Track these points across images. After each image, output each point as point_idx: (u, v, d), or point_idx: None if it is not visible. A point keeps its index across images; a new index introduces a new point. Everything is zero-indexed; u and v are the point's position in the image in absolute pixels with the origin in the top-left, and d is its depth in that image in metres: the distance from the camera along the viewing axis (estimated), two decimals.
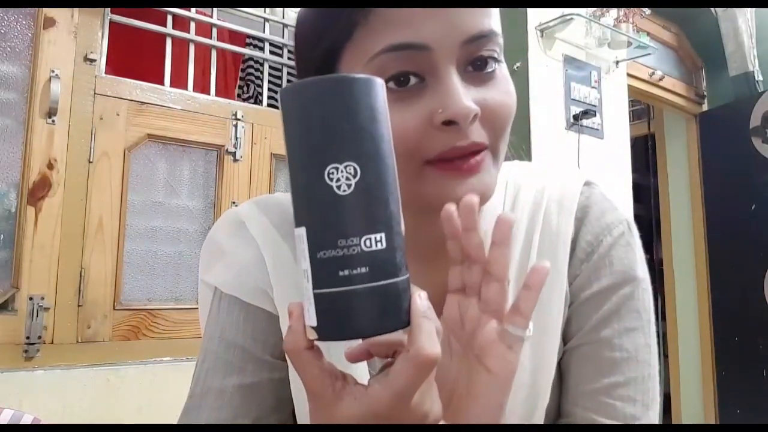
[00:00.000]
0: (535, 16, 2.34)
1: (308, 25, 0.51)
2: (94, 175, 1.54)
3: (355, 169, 0.33)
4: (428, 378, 0.36)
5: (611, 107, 2.58)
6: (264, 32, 1.99)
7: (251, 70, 2.39)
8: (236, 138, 1.77)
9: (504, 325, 0.40)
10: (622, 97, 2.69)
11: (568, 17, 2.32)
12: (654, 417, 0.53)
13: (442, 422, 0.41)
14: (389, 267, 0.34)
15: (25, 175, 1.45)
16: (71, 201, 1.50)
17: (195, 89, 1.76)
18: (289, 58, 2.04)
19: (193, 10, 1.82)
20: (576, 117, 2.38)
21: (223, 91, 2.20)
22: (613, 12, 2.51)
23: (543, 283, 0.39)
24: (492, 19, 0.48)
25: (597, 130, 2.50)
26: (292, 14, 2.05)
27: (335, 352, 0.48)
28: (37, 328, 1.41)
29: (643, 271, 0.56)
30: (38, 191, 1.46)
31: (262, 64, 2.10)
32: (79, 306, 1.48)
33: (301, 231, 0.34)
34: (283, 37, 2.03)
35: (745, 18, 3.09)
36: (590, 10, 2.46)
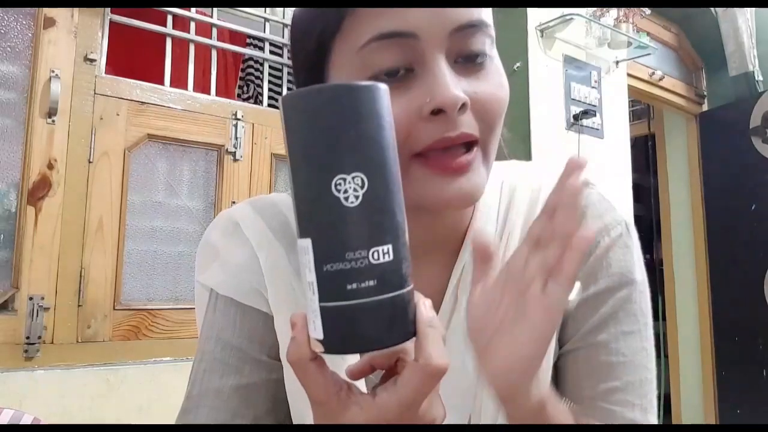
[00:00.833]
0: (535, 16, 2.34)
1: (299, 21, 0.51)
2: (94, 175, 1.54)
3: (362, 180, 0.32)
4: (436, 386, 0.36)
5: (611, 107, 2.58)
6: (264, 32, 1.99)
7: (251, 70, 2.39)
8: (236, 138, 1.77)
9: (548, 283, 0.39)
10: (622, 97, 2.69)
11: (568, 17, 2.32)
12: (652, 418, 0.53)
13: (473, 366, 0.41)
14: (396, 279, 0.34)
15: (25, 175, 1.45)
16: (71, 201, 1.50)
17: (195, 89, 1.76)
18: (289, 58, 2.04)
19: (193, 10, 1.82)
20: (576, 117, 2.38)
21: (223, 91, 2.20)
22: (613, 12, 2.51)
23: (587, 247, 0.37)
24: (482, 10, 0.48)
25: (597, 130, 2.50)
26: (292, 14, 2.05)
27: (334, 358, 0.49)
28: (37, 328, 1.41)
29: (641, 274, 0.55)
30: (38, 191, 1.46)
31: (262, 64, 2.10)
32: (79, 306, 1.48)
33: (306, 242, 0.33)
34: (283, 37, 2.03)
35: (745, 18, 3.09)
36: (590, 10, 2.46)
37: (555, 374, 0.54)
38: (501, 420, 0.49)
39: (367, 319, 0.33)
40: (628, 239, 0.56)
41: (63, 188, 1.49)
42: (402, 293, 0.34)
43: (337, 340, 0.33)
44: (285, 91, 2.04)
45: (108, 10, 1.62)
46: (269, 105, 2.03)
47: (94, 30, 1.58)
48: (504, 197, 0.58)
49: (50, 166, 1.48)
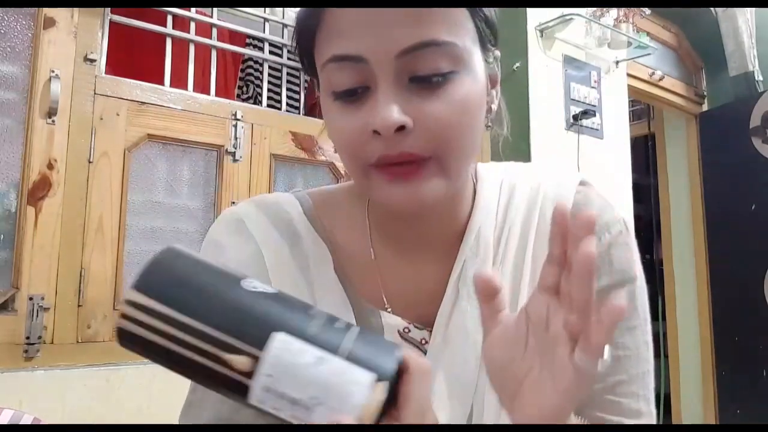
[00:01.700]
0: (535, 16, 2.34)
1: (294, 27, 0.55)
2: (94, 175, 1.54)
3: None
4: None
5: (611, 107, 2.58)
6: (264, 32, 1.99)
7: (251, 70, 2.39)
8: (236, 138, 1.77)
9: (576, 351, 0.39)
10: (622, 97, 2.69)
11: (568, 17, 2.32)
12: (653, 408, 0.55)
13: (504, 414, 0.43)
14: None
15: (25, 175, 1.45)
16: (71, 201, 1.50)
17: (195, 89, 1.76)
18: (288, 58, 2.04)
19: (193, 10, 1.82)
20: (576, 117, 2.38)
21: (223, 91, 2.20)
22: (613, 12, 2.51)
23: (617, 321, 0.37)
24: (441, 27, 0.47)
25: (597, 130, 2.50)
26: (292, 14, 2.05)
27: None
28: (37, 328, 1.41)
29: (639, 270, 0.57)
30: (38, 191, 1.46)
31: (261, 64, 2.10)
32: (79, 306, 1.48)
33: None
34: (282, 37, 2.03)
35: (745, 18, 3.08)
36: (590, 10, 2.46)
37: None
38: (504, 411, 0.50)
39: None
40: (627, 237, 0.58)
41: (63, 188, 1.49)
42: None
43: None
44: (284, 92, 2.04)
45: (108, 10, 1.62)
46: (269, 105, 2.03)
47: (94, 30, 1.58)
48: (503, 195, 0.60)
49: (50, 166, 1.48)
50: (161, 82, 1.70)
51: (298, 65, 0.56)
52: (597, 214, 0.57)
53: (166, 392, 1.53)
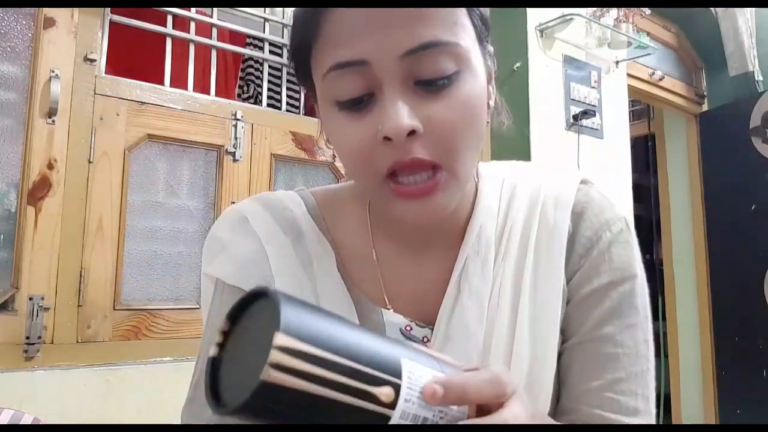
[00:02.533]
0: (535, 16, 2.34)
1: (290, 34, 0.54)
2: (94, 175, 1.54)
3: None
4: None
5: (611, 107, 2.58)
6: (264, 32, 1.99)
7: (251, 70, 2.39)
8: (236, 138, 1.77)
9: None
10: (622, 97, 2.69)
11: (568, 17, 2.32)
12: (653, 407, 0.55)
13: None
14: None
15: (25, 175, 1.45)
16: (71, 201, 1.50)
17: (195, 89, 1.76)
18: (289, 58, 2.04)
19: (193, 10, 1.82)
20: (576, 117, 2.38)
21: (223, 91, 2.20)
22: (613, 12, 2.51)
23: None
24: (442, 27, 0.46)
25: (597, 130, 2.50)
26: (292, 14, 2.05)
27: None
28: (37, 328, 1.41)
29: (640, 268, 0.58)
30: (38, 191, 1.46)
31: (261, 64, 2.10)
32: (79, 306, 1.48)
33: None
34: (283, 37, 2.03)
35: (745, 18, 3.08)
36: (590, 10, 2.46)
37: (559, 365, 0.56)
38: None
39: None
40: (628, 235, 0.58)
41: (63, 188, 1.49)
42: None
43: None
44: (284, 92, 2.04)
45: (108, 10, 1.62)
46: (269, 105, 2.03)
47: (94, 30, 1.58)
48: (505, 194, 0.60)
49: (50, 166, 1.48)
50: (161, 82, 1.70)
51: None
52: (598, 212, 0.58)
53: (166, 392, 1.53)
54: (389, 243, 0.59)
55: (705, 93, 3.46)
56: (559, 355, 0.56)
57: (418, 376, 0.36)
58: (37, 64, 1.48)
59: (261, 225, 0.58)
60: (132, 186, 1.61)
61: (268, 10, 2.01)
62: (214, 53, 1.86)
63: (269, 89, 2.05)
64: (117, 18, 1.64)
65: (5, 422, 0.97)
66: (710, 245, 3.26)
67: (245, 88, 2.42)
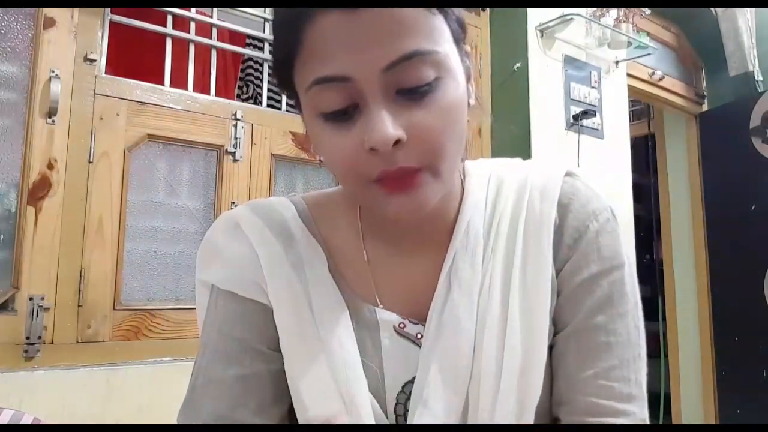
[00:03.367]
0: (535, 16, 2.34)
1: (272, 46, 0.55)
2: (94, 175, 1.54)
3: None
4: None
5: (611, 107, 2.58)
6: (264, 32, 1.99)
7: (251, 71, 2.39)
8: (236, 138, 1.77)
9: None
10: (622, 97, 2.69)
11: (568, 17, 2.32)
12: (644, 393, 0.56)
13: None
14: None
15: (25, 175, 1.45)
16: (71, 201, 1.50)
17: (195, 89, 1.76)
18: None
19: (193, 10, 1.82)
20: (576, 117, 2.39)
21: (223, 91, 2.20)
22: (613, 12, 2.51)
23: None
24: (421, 36, 0.47)
25: (597, 130, 2.50)
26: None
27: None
28: (37, 328, 1.41)
29: (628, 255, 0.59)
30: (38, 191, 1.46)
31: (261, 64, 2.10)
32: (79, 306, 1.48)
33: None
34: None
35: (745, 18, 3.08)
36: (590, 10, 2.46)
37: (552, 355, 0.57)
38: (501, 399, 0.52)
39: None
40: (615, 224, 0.59)
41: (63, 188, 1.49)
42: None
43: None
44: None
45: (108, 10, 1.62)
46: (269, 105, 2.03)
47: (94, 30, 1.58)
48: (491, 189, 0.62)
49: (50, 166, 1.48)
50: (161, 82, 1.70)
51: None
52: (584, 203, 0.59)
53: (166, 392, 1.53)
54: (380, 243, 0.60)
55: (705, 93, 3.46)
56: (552, 346, 0.57)
57: None
58: (37, 64, 1.48)
59: (252, 230, 0.59)
60: (132, 186, 1.61)
61: (268, 10, 2.01)
62: (214, 53, 1.86)
63: (269, 89, 2.05)
64: (117, 18, 1.64)
65: (5, 422, 0.97)
66: (710, 245, 3.26)
67: (245, 88, 2.43)
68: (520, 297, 0.56)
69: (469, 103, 0.54)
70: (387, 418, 0.55)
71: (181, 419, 0.56)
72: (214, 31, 1.87)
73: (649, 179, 3.68)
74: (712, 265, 3.23)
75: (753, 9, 3.15)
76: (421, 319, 0.57)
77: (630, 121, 2.76)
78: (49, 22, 1.50)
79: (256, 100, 2.20)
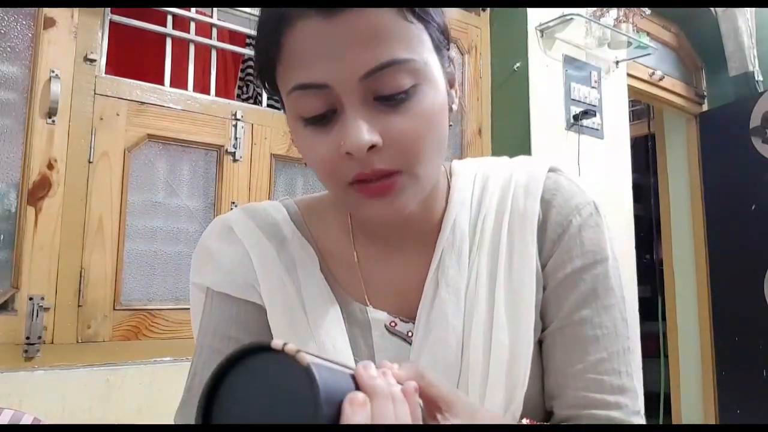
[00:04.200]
0: (535, 16, 2.34)
1: (254, 55, 0.56)
2: (94, 175, 1.54)
3: None
4: None
5: (611, 107, 2.58)
6: None
7: (251, 71, 2.39)
8: (236, 138, 1.77)
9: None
10: (622, 97, 2.69)
11: (568, 17, 2.32)
12: (638, 385, 0.57)
13: None
14: None
15: (25, 175, 1.45)
16: (71, 201, 1.50)
17: (195, 89, 1.76)
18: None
19: (193, 10, 1.82)
20: (576, 117, 2.39)
21: (223, 91, 2.20)
22: (613, 12, 2.51)
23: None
24: (398, 45, 0.48)
25: (597, 130, 2.50)
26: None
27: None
28: (37, 328, 1.41)
29: (612, 250, 0.59)
30: (38, 191, 1.46)
31: None
32: (79, 306, 1.48)
33: None
34: None
35: (745, 18, 3.08)
36: (590, 10, 2.46)
37: (541, 351, 0.58)
38: (489, 393, 0.53)
39: None
40: (598, 218, 0.60)
41: (63, 188, 1.49)
42: None
43: None
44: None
45: (108, 10, 1.62)
46: (268, 105, 2.03)
47: (94, 30, 1.58)
48: (477, 186, 0.62)
49: (50, 166, 1.48)
50: (161, 82, 1.70)
51: None
52: (567, 198, 0.60)
53: (166, 392, 1.53)
54: (370, 244, 0.61)
55: (705, 93, 3.46)
56: (541, 341, 0.58)
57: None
58: (37, 64, 1.48)
59: (245, 233, 0.61)
60: (132, 186, 1.61)
61: None
62: (214, 53, 1.86)
63: None
64: (117, 18, 1.64)
65: (5, 422, 0.97)
66: (710, 245, 3.26)
67: (245, 88, 2.43)
68: (505, 292, 0.57)
69: (451, 108, 0.56)
70: None
71: (178, 419, 0.57)
72: (214, 31, 1.87)
73: (649, 179, 3.68)
74: (712, 265, 3.23)
75: (753, 9, 3.15)
76: (411, 317, 0.58)
77: (630, 121, 2.76)
78: (49, 22, 1.50)
79: (256, 100, 2.20)
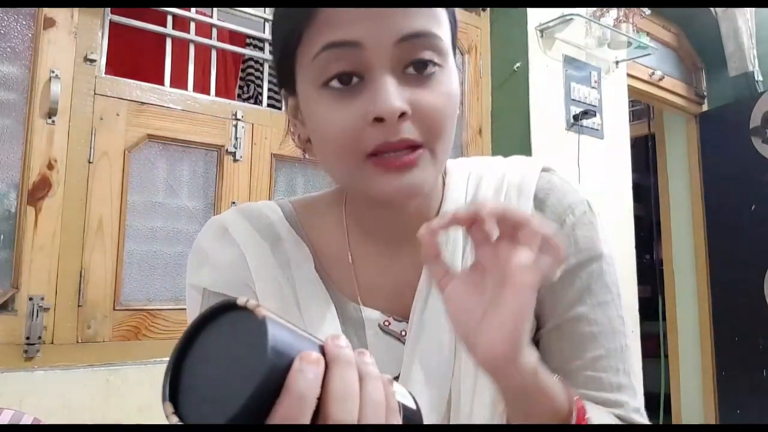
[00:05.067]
0: (535, 16, 2.34)
1: (272, 27, 0.55)
2: (94, 175, 1.54)
3: None
4: None
5: (611, 107, 2.58)
6: (264, 32, 1.99)
7: (251, 71, 2.39)
8: (236, 138, 1.77)
9: (538, 256, 0.42)
10: (622, 97, 2.69)
11: (568, 17, 2.32)
12: (635, 383, 0.57)
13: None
14: None
15: (25, 175, 1.45)
16: (71, 201, 1.50)
17: (195, 89, 1.76)
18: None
19: (193, 10, 1.82)
20: (576, 117, 2.39)
21: (223, 92, 2.20)
22: (613, 12, 2.51)
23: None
24: (432, 21, 0.49)
25: (597, 130, 2.50)
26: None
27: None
28: (37, 328, 1.41)
29: (607, 247, 0.59)
30: (38, 191, 1.46)
31: (262, 65, 2.10)
32: (79, 306, 1.48)
33: None
34: None
35: (745, 18, 3.08)
36: (590, 10, 2.46)
37: (539, 351, 0.57)
38: (478, 390, 0.54)
39: None
40: (592, 216, 0.60)
41: (63, 188, 1.49)
42: None
43: None
44: (284, 92, 2.04)
45: (108, 10, 1.62)
46: (269, 105, 2.03)
47: (94, 30, 1.58)
48: (471, 186, 0.62)
49: (50, 166, 1.48)
50: (161, 82, 1.70)
51: None
52: (560, 197, 0.60)
53: None
54: (365, 243, 0.61)
55: (705, 93, 3.46)
56: (538, 341, 0.58)
57: None
58: (37, 64, 1.48)
59: (240, 232, 0.61)
60: (132, 186, 1.61)
61: (268, 10, 2.01)
62: (214, 53, 1.86)
63: (269, 89, 2.05)
64: (117, 18, 1.64)
65: (5, 422, 0.97)
66: (710, 245, 3.26)
67: (245, 89, 2.43)
68: None
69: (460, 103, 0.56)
70: None
71: None
72: (214, 31, 1.87)
73: (649, 179, 3.68)
74: (712, 264, 3.23)
75: (753, 9, 3.15)
76: (405, 316, 0.58)
77: (630, 121, 2.76)
78: (49, 22, 1.50)
79: (257, 100, 2.20)
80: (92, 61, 1.56)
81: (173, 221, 1.68)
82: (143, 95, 1.64)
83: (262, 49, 2.06)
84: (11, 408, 1.01)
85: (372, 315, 0.59)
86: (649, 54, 2.73)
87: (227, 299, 0.33)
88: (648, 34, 2.73)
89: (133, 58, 1.97)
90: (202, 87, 1.81)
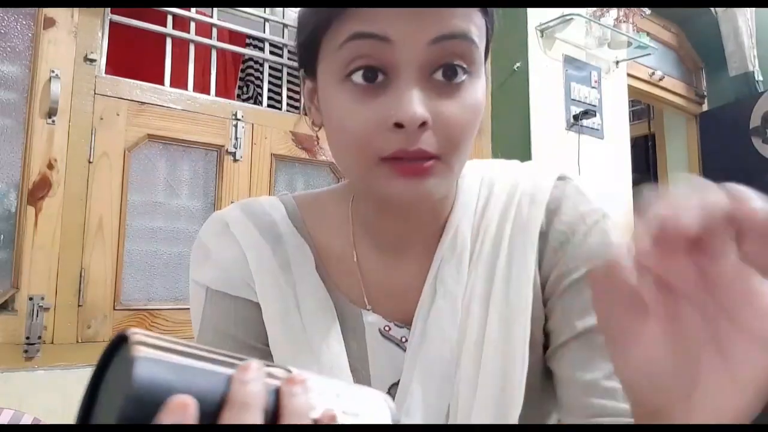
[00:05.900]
0: (535, 16, 2.34)
1: (301, 15, 0.53)
2: (94, 175, 1.54)
3: None
4: None
5: (611, 107, 2.58)
6: (264, 32, 1.99)
7: (251, 71, 2.39)
8: (236, 138, 1.77)
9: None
10: (622, 97, 2.69)
11: (568, 17, 2.32)
12: None
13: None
14: None
15: (25, 175, 1.45)
16: (71, 201, 1.50)
17: (195, 89, 1.76)
18: (289, 58, 2.04)
19: (193, 10, 1.82)
20: (576, 117, 2.38)
21: (223, 91, 2.20)
22: (613, 12, 2.51)
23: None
24: (470, 24, 0.47)
25: (597, 130, 2.50)
26: (292, 14, 2.05)
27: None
28: (37, 328, 1.41)
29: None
30: (38, 191, 1.46)
31: (262, 65, 2.10)
32: (79, 306, 1.48)
33: None
34: (283, 37, 2.03)
35: (745, 18, 3.08)
36: (590, 10, 2.46)
37: (552, 362, 0.55)
38: (476, 406, 0.52)
39: None
40: (605, 225, 0.57)
41: (63, 188, 1.49)
42: None
43: None
44: (285, 92, 2.04)
45: (108, 10, 1.62)
46: (269, 105, 2.03)
47: (94, 30, 1.58)
48: (483, 192, 0.61)
49: (50, 166, 1.48)
50: (161, 82, 1.70)
51: None
52: (573, 207, 0.57)
53: None
54: (370, 244, 0.60)
55: (705, 93, 3.46)
56: (552, 352, 0.56)
57: None
58: (37, 64, 1.48)
59: (241, 230, 0.59)
60: (132, 186, 1.61)
61: (268, 10, 2.01)
62: (214, 53, 1.86)
63: (269, 89, 2.05)
64: (117, 18, 1.64)
65: (5, 422, 0.97)
66: None
67: (245, 89, 2.43)
68: (500, 305, 0.54)
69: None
70: None
71: None
72: (214, 31, 1.87)
73: (649, 179, 3.68)
74: None
75: (753, 9, 3.15)
76: (407, 322, 0.57)
77: (630, 121, 2.76)
78: (49, 22, 1.50)
79: (257, 100, 2.20)
80: (92, 60, 1.56)
81: (173, 221, 1.68)
82: (143, 95, 1.64)
83: (262, 49, 2.06)
84: (11, 408, 1.01)
85: (373, 319, 0.58)
86: (649, 54, 2.73)
87: (124, 331, 0.30)
88: (648, 34, 2.73)
89: (133, 57, 1.97)
90: (202, 87, 1.82)
